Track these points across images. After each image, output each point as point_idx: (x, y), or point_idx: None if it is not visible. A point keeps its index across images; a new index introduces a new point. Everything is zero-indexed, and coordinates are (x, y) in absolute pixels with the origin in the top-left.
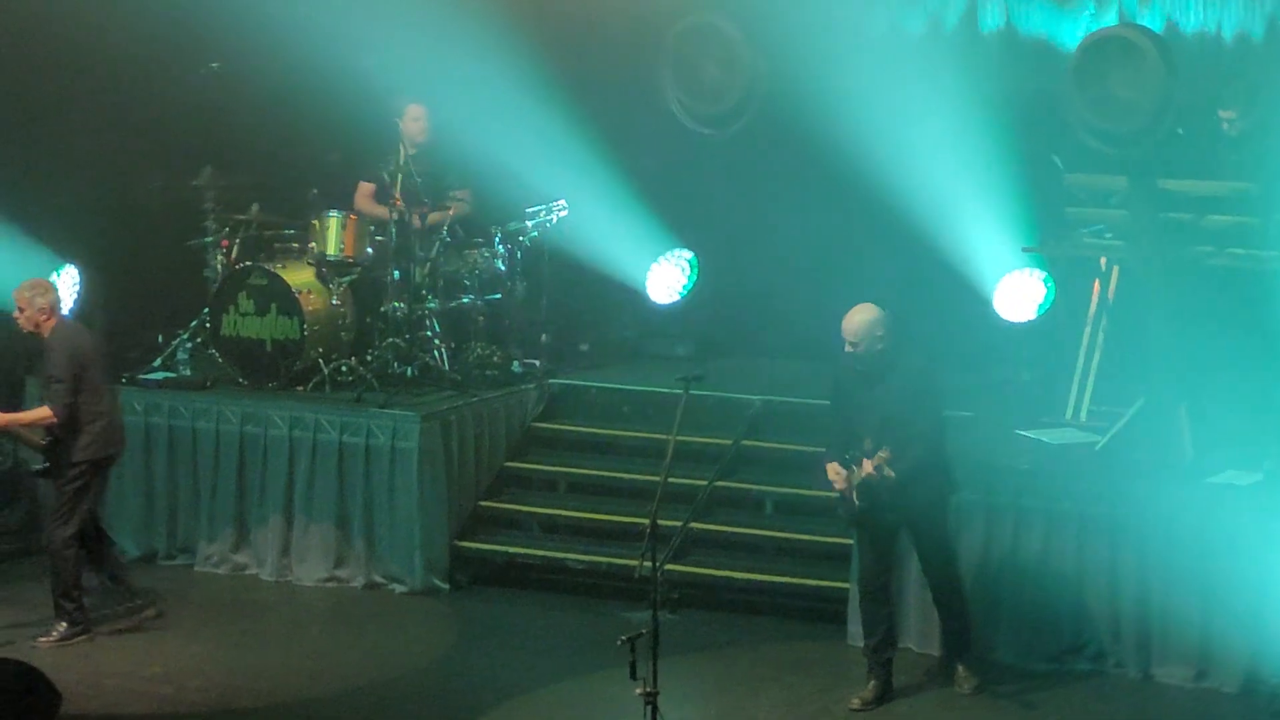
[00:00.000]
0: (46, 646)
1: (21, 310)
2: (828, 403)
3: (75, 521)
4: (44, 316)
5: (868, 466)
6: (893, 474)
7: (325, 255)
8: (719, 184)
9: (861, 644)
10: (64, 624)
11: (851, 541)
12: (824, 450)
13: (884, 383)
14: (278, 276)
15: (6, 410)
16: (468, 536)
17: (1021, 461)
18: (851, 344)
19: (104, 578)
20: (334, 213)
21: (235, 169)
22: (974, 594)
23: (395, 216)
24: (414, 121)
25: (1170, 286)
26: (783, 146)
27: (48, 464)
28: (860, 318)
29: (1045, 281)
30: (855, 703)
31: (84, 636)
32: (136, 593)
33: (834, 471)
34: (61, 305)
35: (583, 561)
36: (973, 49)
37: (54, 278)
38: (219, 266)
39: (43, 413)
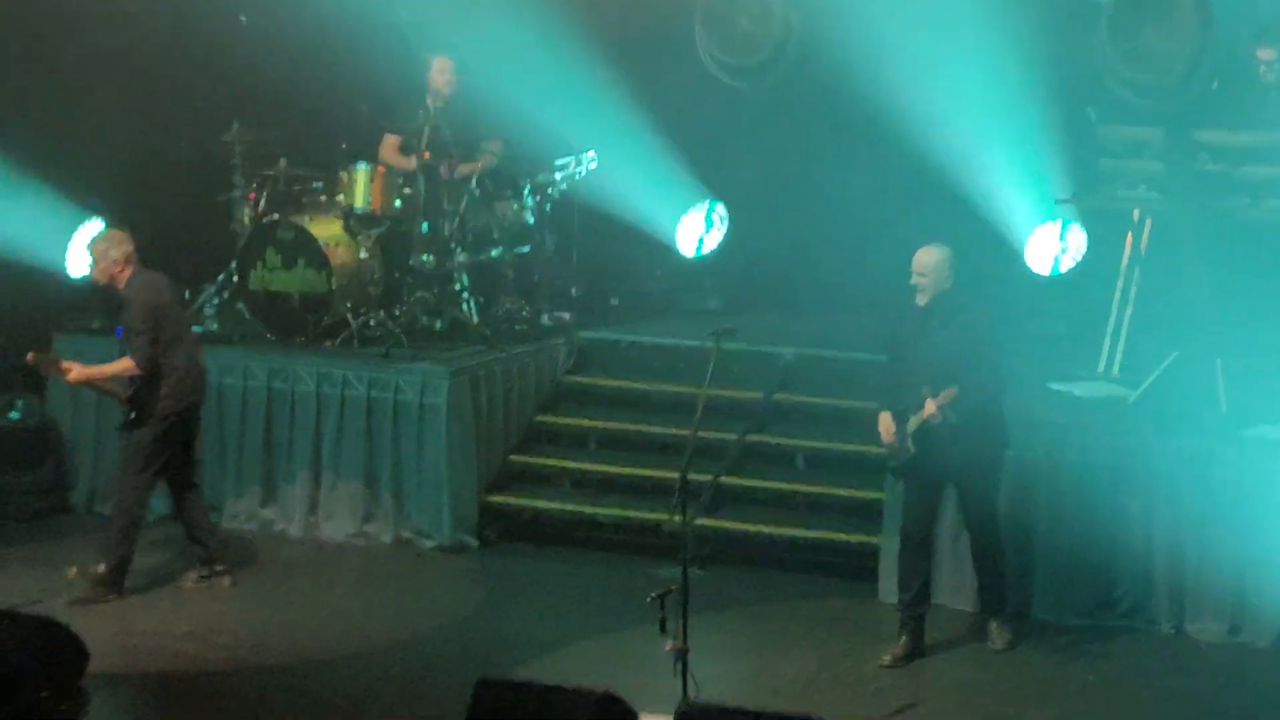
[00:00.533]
0: (74, 576)
1: (96, 262)
2: (884, 357)
3: (150, 471)
4: (118, 268)
5: (930, 407)
6: (954, 417)
7: (353, 208)
8: (751, 137)
9: (894, 600)
10: (104, 564)
11: (883, 496)
12: (876, 405)
13: (945, 328)
14: (305, 230)
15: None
16: (496, 491)
17: (1054, 415)
18: (920, 275)
19: (186, 534)
20: (362, 165)
21: (263, 123)
22: (1007, 549)
23: (420, 169)
24: (440, 74)
25: (1205, 239)
26: (815, 99)
27: (133, 415)
28: (932, 256)
29: (1061, 237)
30: (886, 659)
31: (114, 595)
32: (213, 558)
33: (884, 423)
34: (135, 256)
35: (612, 517)
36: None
37: (80, 231)
38: (246, 220)
39: (124, 364)
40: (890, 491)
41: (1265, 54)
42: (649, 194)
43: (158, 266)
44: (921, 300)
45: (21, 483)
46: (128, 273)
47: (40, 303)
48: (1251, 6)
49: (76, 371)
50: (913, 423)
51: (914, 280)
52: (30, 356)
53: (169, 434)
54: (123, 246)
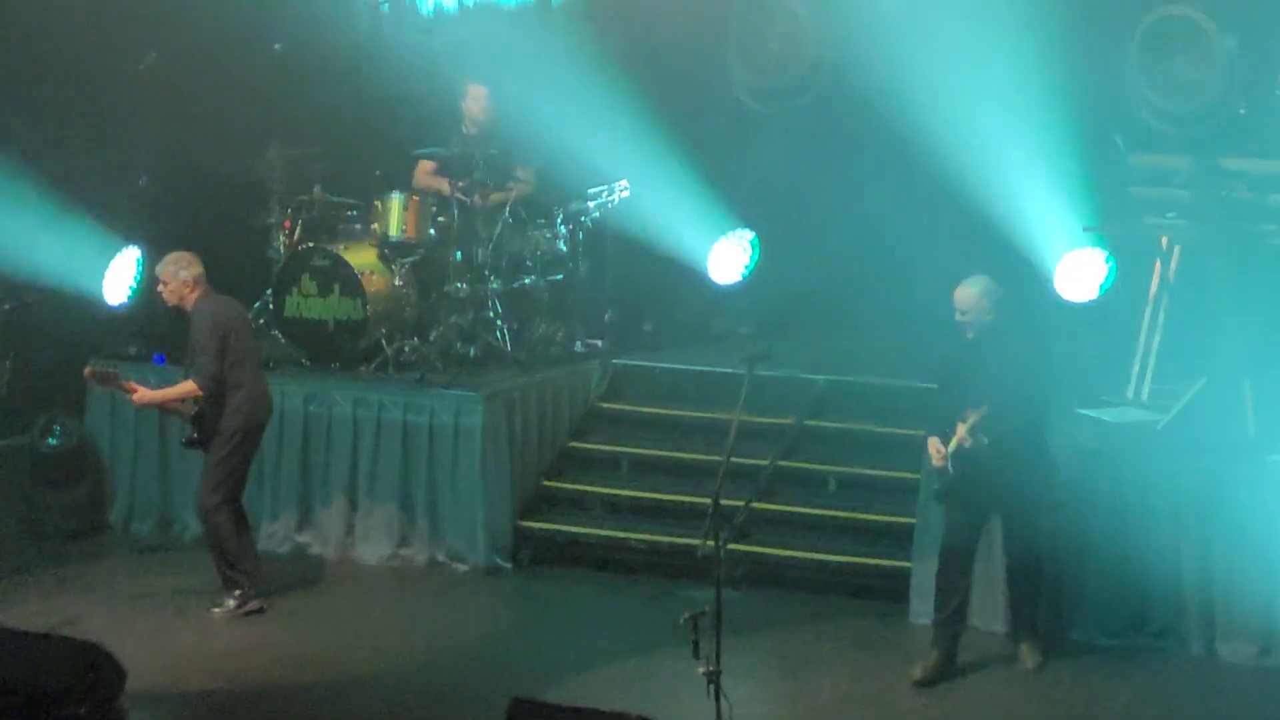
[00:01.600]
0: (220, 616)
1: (165, 284)
2: (934, 385)
3: (224, 489)
4: (188, 290)
5: (961, 431)
6: (985, 439)
7: (388, 236)
8: (782, 162)
9: (926, 620)
10: (236, 593)
11: (915, 520)
12: (924, 430)
13: (992, 355)
14: (341, 257)
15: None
16: (530, 515)
17: (1084, 441)
18: (961, 314)
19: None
20: (396, 194)
21: (299, 150)
22: (1045, 575)
23: (456, 195)
24: (475, 101)
25: (1233, 266)
26: (845, 124)
27: (195, 434)
28: (971, 289)
29: (1107, 260)
30: (917, 672)
31: (256, 604)
32: (247, 581)
33: (934, 446)
34: (204, 278)
35: (645, 541)
36: (1036, 27)
37: (118, 258)
38: (282, 247)
39: (187, 386)
40: (922, 515)
41: None
42: (681, 220)
43: None
44: (968, 334)
45: (59, 502)
46: (196, 294)
47: (78, 329)
48: (1278, 34)
49: (142, 394)
50: (951, 446)
51: (957, 317)
52: (88, 371)
53: (236, 452)
54: (191, 268)
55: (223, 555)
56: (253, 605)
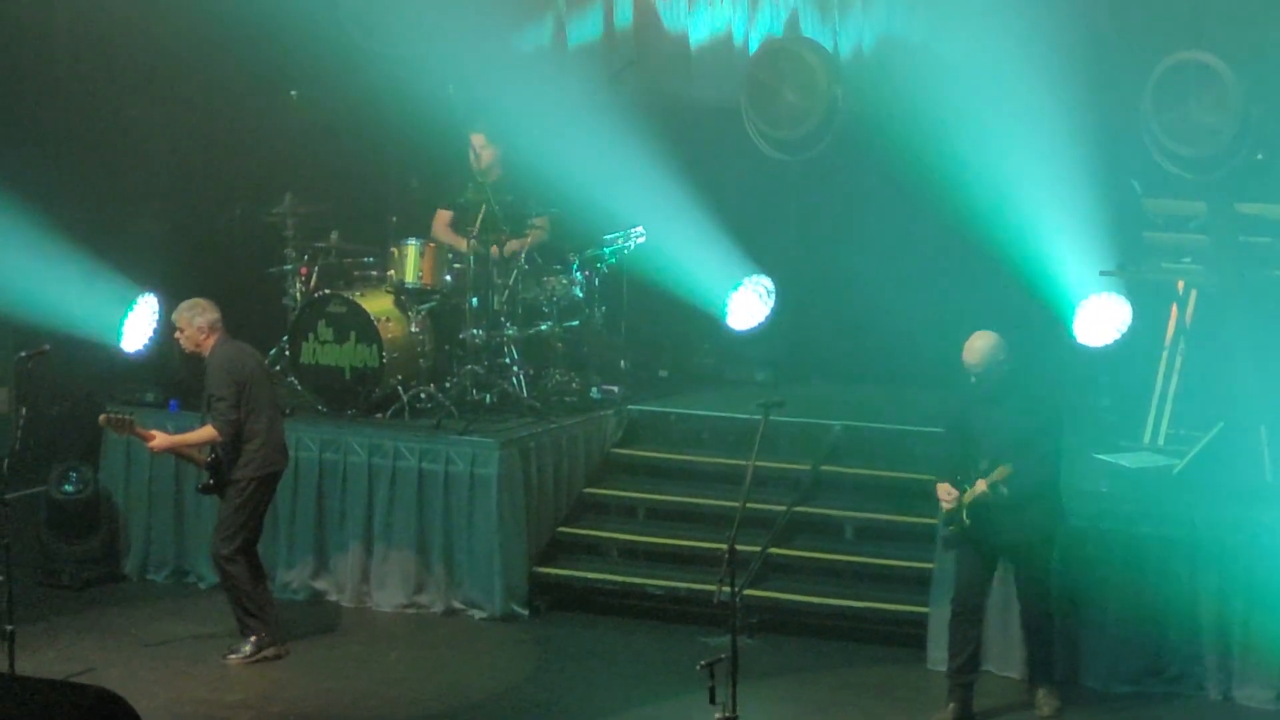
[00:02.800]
0: (236, 664)
1: (182, 331)
2: (941, 429)
3: (240, 537)
4: (204, 335)
5: (981, 485)
6: (1006, 492)
7: (404, 283)
8: (797, 209)
9: (943, 667)
10: (252, 639)
11: (932, 566)
12: (933, 476)
13: (1005, 406)
14: (357, 304)
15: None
16: (547, 562)
17: (1100, 485)
18: (973, 369)
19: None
20: (412, 241)
21: (314, 197)
22: (1056, 619)
23: (470, 249)
24: (476, 149)
25: (1249, 310)
26: (861, 172)
27: (211, 480)
28: (980, 344)
29: (1125, 305)
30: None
31: (273, 650)
32: (264, 629)
33: (944, 491)
34: (220, 323)
35: (662, 587)
36: (1052, 72)
37: (135, 306)
38: (298, 294)
39: (206, 433)
40: (939, 561)
41: None
42: (697, 268)
43: None
44: (981, 388)
45: (75, 552)
46: (213, 340)
47: (94, 377)
48: None
49: (160, 440)
50: (966, 497)
51: (972, 379)
52: (103, 419)
53: (251, 500)
54: (207, 314)
55: (239, 603)
56: (269, 652)
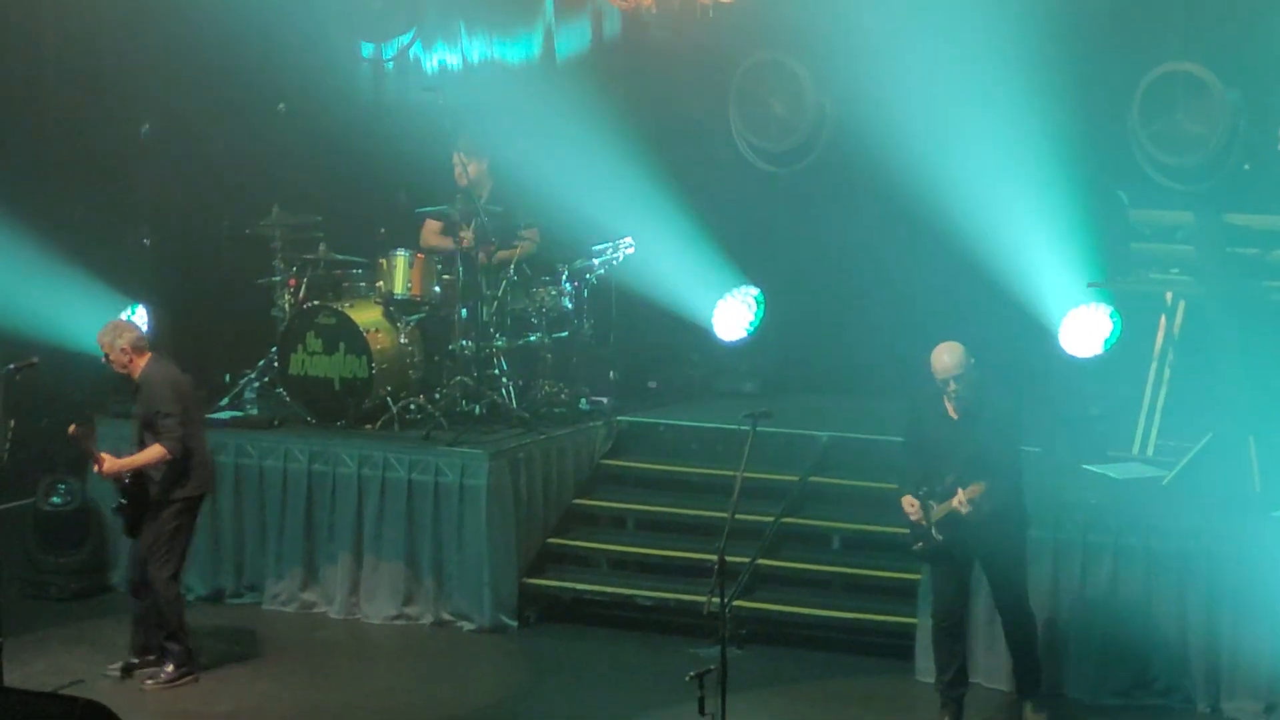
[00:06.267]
0: (153, 690)
1: (107, 355)
2: (901, 439)
3: (175, 560)
4: (128, 357)
5: (960, 499)
6: (984, 508)
7: (393, 294)
8: (785, 220)
9: (932, 680)
10: (171, 665)
11: (919, 577)
12: (897, 486)
13: (972, 420)
14: (345, 315)
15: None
16: (536, 574)
17: (1089, 496)
18: (952, 380)
19: (135, 617)
20: (401, 252)
21: (303, 208)
22: (1042, 629)
23: (459, 252)
24: (458, 167)
25: (1237, 321)
26: (849, 183)
27: (124, 501)
28: (954, 356)
29: (1111, 316)
30: None
31: (190, 678)
32: (185, 655)
33: (909, 504)
34: (145, 341)
35: (651, 598)
36: (1039, 82)
37: (124, 317)
38: (286, 306)
39: (154, 452)
40: (926, 572)
41: None
42: (685, 279)
43: (197, 351)
44: (949, 400)
45: (63, 564)
46: (142, 360)
47: (84, 387)
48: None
49: (109, 464)
50: (938, 511)
51: (949, 389)
52: (72, 429)
53: (187, 521)
54: (129, 334)
55: (165, 626)
56: (189, 679)
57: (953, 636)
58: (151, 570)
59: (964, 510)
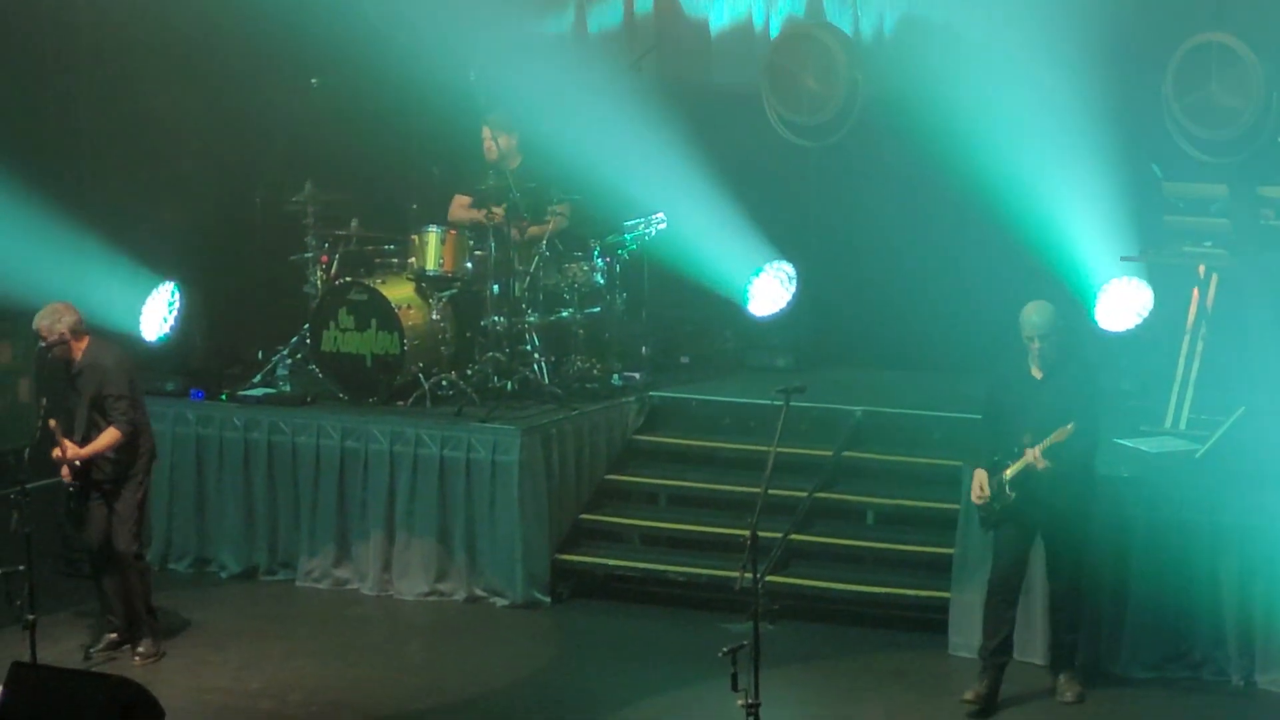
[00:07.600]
0: (142, 665)
1: (45, 339)
2: (979, 415)
3: (140, 534)
4: (70, 339)
5: (1035, 453)
6: (1064, 457)
7: (425, 270)
8: (818, 195)
9: (968, 651)
10: (149, 639)
11: (953, 551)
12: (964, 461)
13: (1053, 378)
14: (378, 292)
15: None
16: (568, 549)
17: (1121, 470)
18: (1038, 338)
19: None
20: (433, 228)
21: (335, 185)
22: (1086, 603)
23: (492, 224)
24: (488, 141)
25: (1271, 294)
26: (881, 156)
27: (77, 482)
28: (1042, 314)
29: (1146, 290)
30: (969, 695)
31: (161, 649)
32: (158, 627)
33: (980, 478)
34: (84, 324)
35: (683, 573)
36: (1072, 56)
37: (155, 294)
38: (319, 282)
39: (110, 436)
40: (961, 546)
41: None
42: (718, 253)
43: (231, 328)
44: (1034, 359)
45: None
46: (84, 343)
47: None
48: None
49: (71, 451)
50: (1013, 468)
51: (1035, 345)
52: (53, 423)
53: (146, 494)
54: (69, 317)
55: (142, 600)
56: (163, 650)
57: (1008, 604)
58: (121, 546)
59: (1040, 465)
